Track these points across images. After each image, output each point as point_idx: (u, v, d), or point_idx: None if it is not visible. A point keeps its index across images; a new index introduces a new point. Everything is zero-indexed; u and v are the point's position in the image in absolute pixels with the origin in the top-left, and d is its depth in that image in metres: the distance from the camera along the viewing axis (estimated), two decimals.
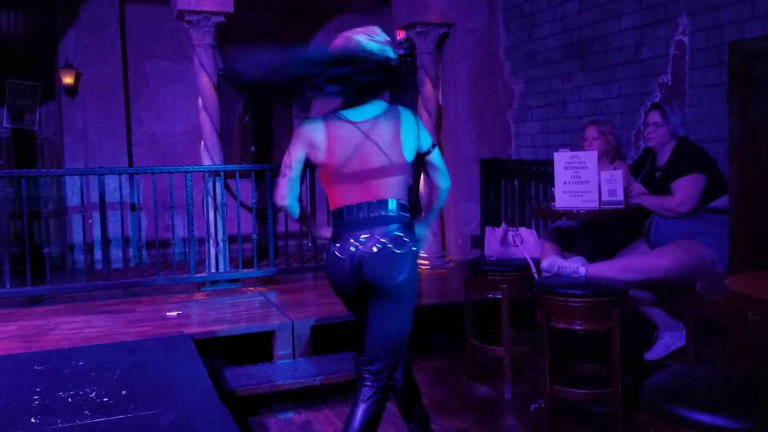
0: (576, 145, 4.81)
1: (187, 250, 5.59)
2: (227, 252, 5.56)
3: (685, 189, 3.39)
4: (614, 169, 3.67)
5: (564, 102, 5.48)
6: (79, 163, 6.96)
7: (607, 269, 3.38)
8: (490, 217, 6.10)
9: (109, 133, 6.95)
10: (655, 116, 3.59)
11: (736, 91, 2.57)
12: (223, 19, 5.47)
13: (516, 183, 5.85)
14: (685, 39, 4.28)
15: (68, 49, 6.95)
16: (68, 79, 6.81)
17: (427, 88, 6.18)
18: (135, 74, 7.16)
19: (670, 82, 4.40)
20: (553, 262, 3.46)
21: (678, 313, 3.61)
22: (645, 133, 3.67)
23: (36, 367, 3.46)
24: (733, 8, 3.93)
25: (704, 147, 3.57)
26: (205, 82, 5.49)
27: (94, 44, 6.88)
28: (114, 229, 6.20)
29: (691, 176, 3.39)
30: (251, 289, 5.48)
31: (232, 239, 5.64)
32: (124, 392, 3.10)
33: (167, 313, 4.68)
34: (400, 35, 7.06)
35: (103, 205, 5.20)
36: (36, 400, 3.02)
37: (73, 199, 6.86)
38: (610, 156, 4.04)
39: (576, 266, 3.41)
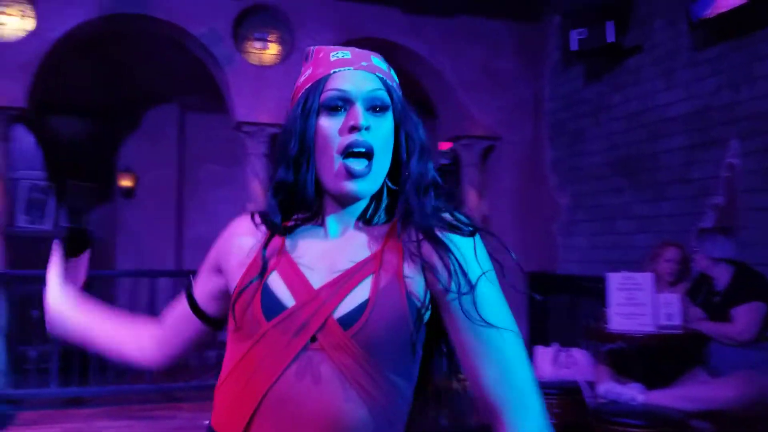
0: (630, 264, 4.73)
1: None
2: None
3: (746, 317, 3.30)
4: (672, 292, 3.60)
5: (613, 217, 5.44)
6: (130, 262, 7.12)
7: (665, 398, 3.26)
8: (537, 334, 5.95)
9: (161, 234, 7.14)
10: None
11: None
12: (278, 130, 5.67)
13: (565, 299, 5.74)
14: (736, 161, 4.28)
15: (128, 154, 7.28)
16: (126, 182, 7.10)
17: (472, 199, 6.24)
18: (189, 178, 7.42)
19: (722, 204, 4.37)
20: (611, 388, 3.36)
21: None
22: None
23: None
24: None
25: (760, 270, 3.50)
26: (256, 188, 5.66)
27: (153, 150, 7.20)
28: None
29: (752, 304, 3.31)
30: None
31: None
32: None
33: (204, 422, 4.60)
34: (445, 146, 7.21)
35: (152, 307, 5.26)
36: None
37: (121, 298, 6.96)
38: (682, 281, 3.94)
39: (634, 393, 3.29)
